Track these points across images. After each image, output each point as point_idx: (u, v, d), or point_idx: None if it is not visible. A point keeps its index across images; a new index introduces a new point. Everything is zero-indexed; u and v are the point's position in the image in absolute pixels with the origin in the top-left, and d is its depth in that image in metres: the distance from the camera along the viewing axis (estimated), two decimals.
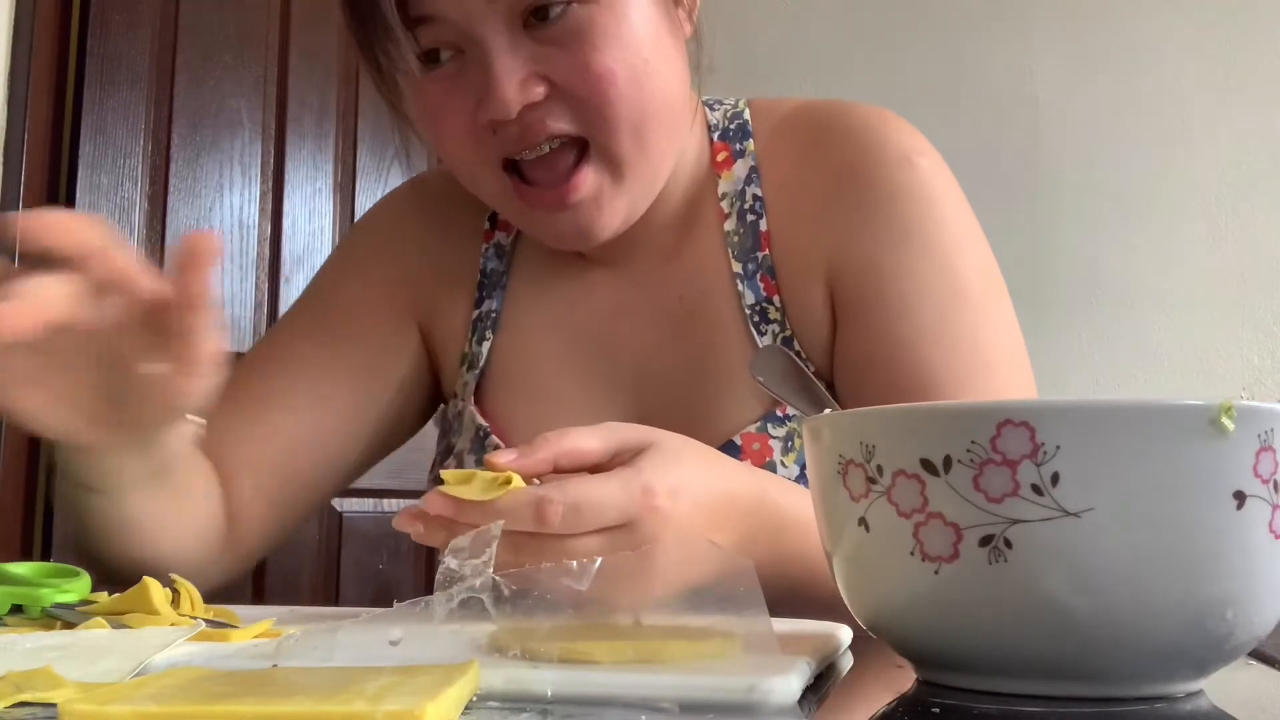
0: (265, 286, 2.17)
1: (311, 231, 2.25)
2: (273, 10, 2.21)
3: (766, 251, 0.84)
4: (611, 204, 0.78)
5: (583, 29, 0.74)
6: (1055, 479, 0.38)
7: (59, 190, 1.90)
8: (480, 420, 0.88)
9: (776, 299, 0.83)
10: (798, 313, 0.83)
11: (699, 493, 0.59)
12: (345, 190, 2.32)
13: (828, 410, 0.57)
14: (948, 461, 0.39)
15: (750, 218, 0.85)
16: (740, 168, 0.87)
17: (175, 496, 0.76)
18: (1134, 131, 2.33)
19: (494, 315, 0.91)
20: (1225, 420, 0.38)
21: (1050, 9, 2.40)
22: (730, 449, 0.80)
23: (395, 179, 2.38)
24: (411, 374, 0.94)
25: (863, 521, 0.42)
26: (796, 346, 0.83)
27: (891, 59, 2.42)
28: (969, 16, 2.43)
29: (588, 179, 0.76)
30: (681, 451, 0.60)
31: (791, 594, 0.61)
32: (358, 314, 0.93)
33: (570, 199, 0.76)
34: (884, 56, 2.43)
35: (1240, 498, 0.38)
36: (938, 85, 2.39)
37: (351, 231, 1.00)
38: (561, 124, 0.75)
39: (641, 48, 0.75)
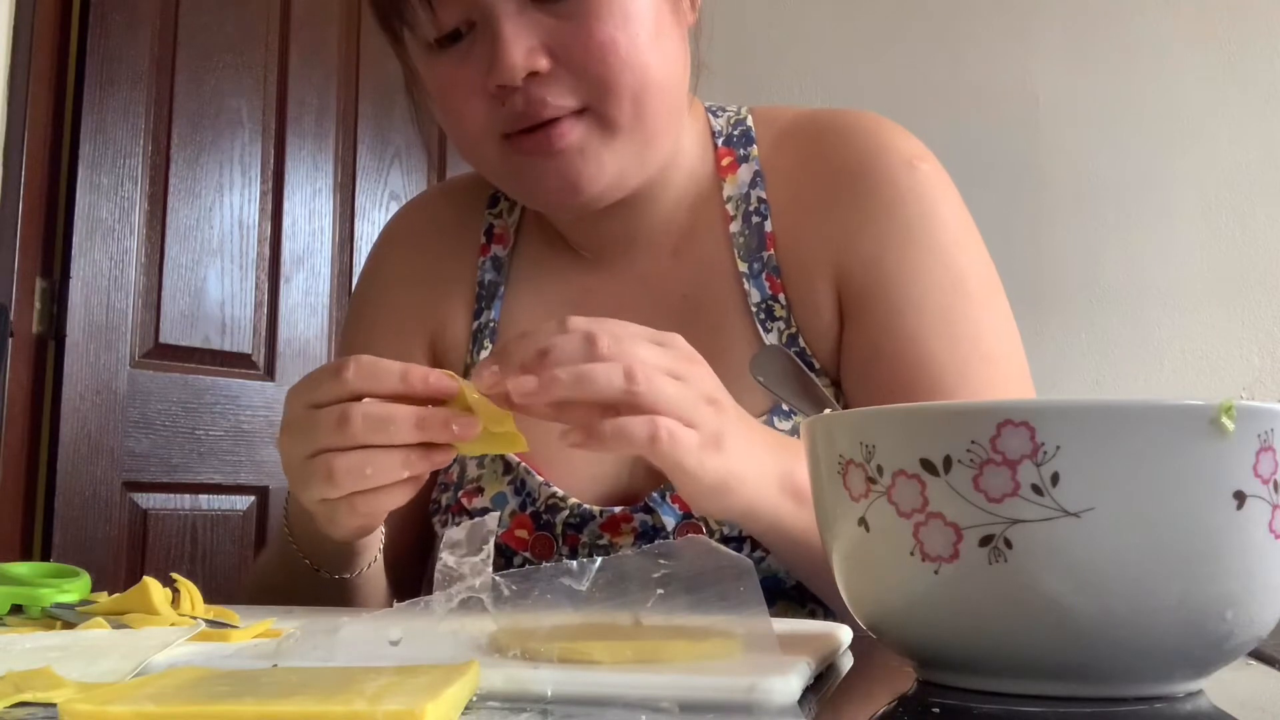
0: (265, 286, 2.16)
1: (311, 231, 2.25)
2: (273, 10, 2.21)
3: (771, 251, 0.86)
4: (598, 156, 0.80)
5: (589, 4, 0.77)
6: (1055, 479, 0.38)
7: (59, 190, 1.90)
8: None
9: (782, 297, 0.85)
10: (803, 311, 0.85)
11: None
12: (345, 190, 2.31)
13: (827, 410, 0.57)
14: (948, 461, 0.39)
15: (755, 219, 0.87)
16: (745, 172, 0.89)
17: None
18: (1134, 131, 2.33)
19: (491, 326, 0.92)
20: (1225, 420, 0.38)
21: (1050, 9, 2.40)
22: None
23: (395, 179, 2.37)
24: None
25: (863, 521, 0.42)
26: (801, 343, 0.84)
27: (891, 59, 2.42)
28: (969, 16, 2.43)
29: (576, 128, 0.79)
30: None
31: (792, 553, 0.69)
32: (377, 344, 0.96)
33: (557, 143, 0.78)
34: (884, 56, 2.43)
35: (1240, 498, 0.38)
36: (938, 85, 2.39)
37: (360, 275, 1.05)
38: (563, 100, 0.78)
39: (644, 22, 0.79)
